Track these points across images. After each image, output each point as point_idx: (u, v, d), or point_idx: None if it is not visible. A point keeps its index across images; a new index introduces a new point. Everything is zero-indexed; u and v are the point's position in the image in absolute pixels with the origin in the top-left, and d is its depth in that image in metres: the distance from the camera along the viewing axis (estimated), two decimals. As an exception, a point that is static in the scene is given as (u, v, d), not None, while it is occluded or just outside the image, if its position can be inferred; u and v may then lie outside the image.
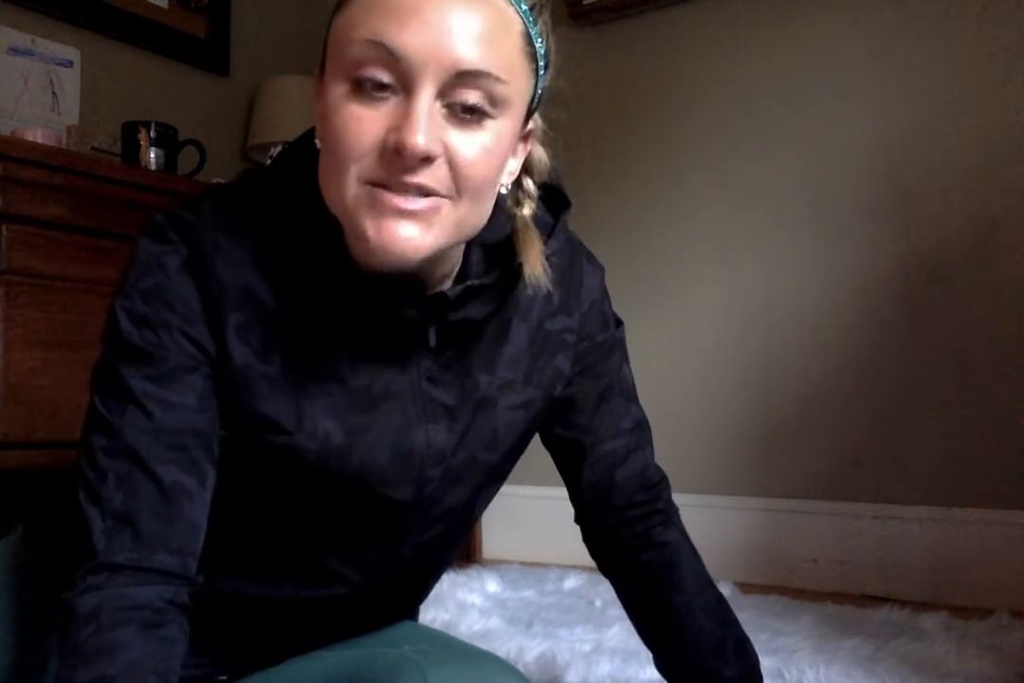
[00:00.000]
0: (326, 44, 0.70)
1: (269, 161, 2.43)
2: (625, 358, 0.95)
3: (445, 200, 0.67)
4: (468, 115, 0.66)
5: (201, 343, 0.72)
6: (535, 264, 0.75)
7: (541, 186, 0.80)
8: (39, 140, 1.86)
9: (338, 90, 0.66)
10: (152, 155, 2.11)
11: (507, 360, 0.83)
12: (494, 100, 0.66)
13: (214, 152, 2.42)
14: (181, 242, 0.72)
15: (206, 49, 2.63)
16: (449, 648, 0.89)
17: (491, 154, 0.67)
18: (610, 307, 0.92)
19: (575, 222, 0.85)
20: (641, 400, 0.97)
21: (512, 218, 0.78)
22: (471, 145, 0.66)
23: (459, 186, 0.66)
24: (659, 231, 2.40)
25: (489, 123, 0.67)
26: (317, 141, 0.71)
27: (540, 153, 0.79)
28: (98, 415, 0.71)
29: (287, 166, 0.77)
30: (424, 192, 0.65)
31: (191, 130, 2.35)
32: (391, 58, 0.63)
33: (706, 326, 2.33)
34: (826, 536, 2.09)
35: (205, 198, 0.76)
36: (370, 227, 0.65)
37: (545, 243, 0.78)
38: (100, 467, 0.70)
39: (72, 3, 2.29)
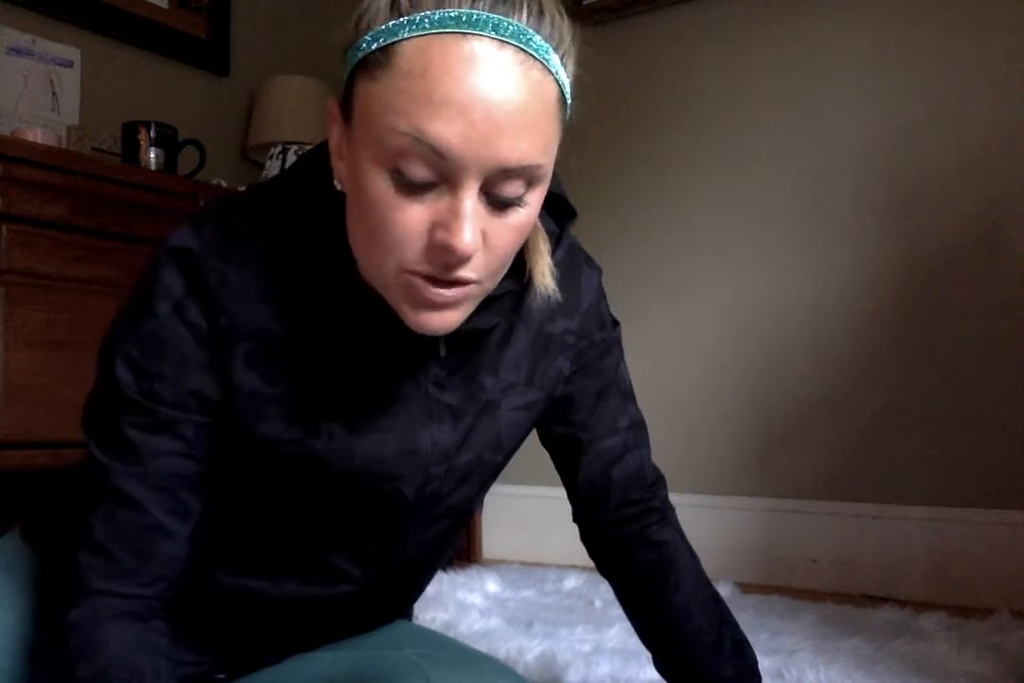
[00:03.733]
0: (352, 101, 0.66)
1: (268, 162, 2.40)
2: (622, 358, 0.95)
3: (475, 285, 0.67)
4: (507, 203, 0.65)
5: (196, 390, 0.73)
6: (544, 271, 0.77)
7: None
8: (39, 140, 1.86)
9: (376, 176, 0.64)
10: (152, 155, 2.11)
11: (510, 363, 0.84)
12: (532, 183, 0.66)
13: (214, 152, 2.42)
14: (184, 277, 0.72)
15: (206, 49, 2.63)
16: (451, 651, 0.89)
17: (523, 230, 0.68)
18: (607, 308, 0.93)
19: (576, 222, 0.85)
20: (641, 400, 0.98)
21: None
22: (507, 231, 0.66)
23: (490, 269, 0.67)
24: (659, 231, 2.40)
25: (525, 203, 0.66)
26: (337, 182, 0.70)
27: None
28: (91, 456, 0.75)
29: (296, 184, 0.76)
30: (460, 282, 0.66)
31: (191, 130, 2.35)
32: (435, 156, 0.62)
33: (706, 326, 2.33)
34: (826, 536, 2.09)
35: (208, 222, 0.74)
36: (408, 312, 0.68)
37: (552, 253, 0.79)
38: (93, 500, 0.75)
39: (72, 3, 2.29)
